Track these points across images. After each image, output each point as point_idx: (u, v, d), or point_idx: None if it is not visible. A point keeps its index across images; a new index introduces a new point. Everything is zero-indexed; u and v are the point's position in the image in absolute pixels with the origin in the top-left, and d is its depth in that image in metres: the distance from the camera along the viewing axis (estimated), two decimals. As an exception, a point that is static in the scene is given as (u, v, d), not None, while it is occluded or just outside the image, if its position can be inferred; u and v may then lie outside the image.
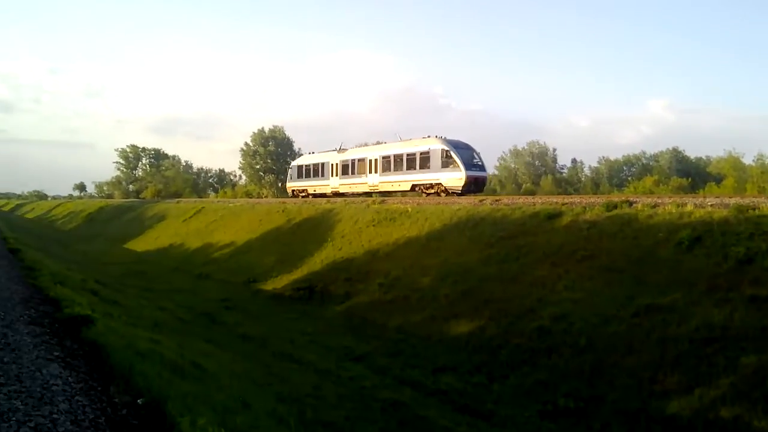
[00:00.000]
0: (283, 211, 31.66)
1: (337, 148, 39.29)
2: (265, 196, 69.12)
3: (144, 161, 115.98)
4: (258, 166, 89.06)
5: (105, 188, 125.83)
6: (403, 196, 29.96)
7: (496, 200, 21.00)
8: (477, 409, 9.82)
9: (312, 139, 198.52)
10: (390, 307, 16.10)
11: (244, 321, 16.50)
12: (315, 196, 39.35)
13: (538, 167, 74.65)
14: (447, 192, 28.60)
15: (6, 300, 9.63)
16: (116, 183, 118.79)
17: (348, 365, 12.32)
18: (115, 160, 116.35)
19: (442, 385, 10.89)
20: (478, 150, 30.27)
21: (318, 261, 22.12)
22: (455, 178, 28.06)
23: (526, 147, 76.67)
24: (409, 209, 22.92)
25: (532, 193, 56.47)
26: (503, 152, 79.34)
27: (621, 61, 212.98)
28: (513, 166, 77.18)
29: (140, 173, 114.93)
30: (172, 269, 28.62)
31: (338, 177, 37.74)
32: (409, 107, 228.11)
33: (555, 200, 18.74)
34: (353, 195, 34.78)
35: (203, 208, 43.77)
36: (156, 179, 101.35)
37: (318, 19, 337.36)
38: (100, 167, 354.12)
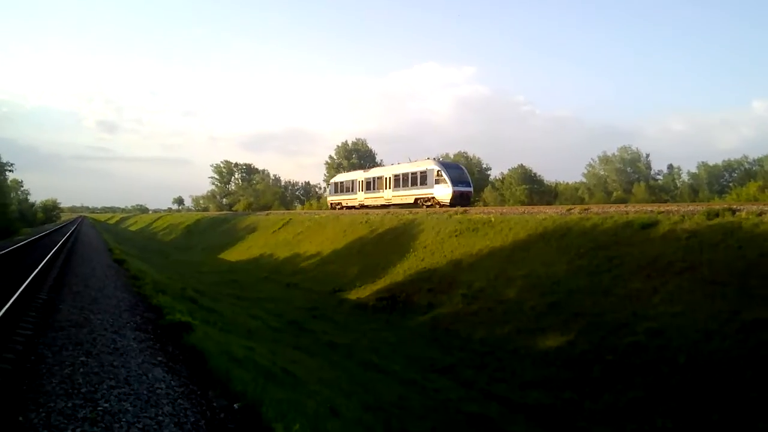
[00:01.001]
0: (366, 222, 32.16)
1: (364, 169, 47.28)
2: (349, 208, 70.53)
3: (236, 176, 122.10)
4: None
5: (201, 201, 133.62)
6: (484, 206, 30.11)
7: (585, 209, 20.15)
8: (567, 427, 9.45)
9: (394, 149, 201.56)
10: (474, 319, 15.86)
11: (330, 329, 16.89)
12: (347, 208, 45.36)
13: (629, 174, 70.70)
14: (440, 204, 33.21)
15: (114, 307, 10.46)
16: (211, 197, 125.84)
17: (432, 377, 12.27)
18: (210, 175, 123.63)
19: (530, 401, 10.58)
20: (467, 170, 37.42)
21: (400, 271, 22.23)
22: (445, 193, 33.19)
23: (616, 153, 72.74)
24: (493, 219, 22.54)
25: (623, 201, 53.64)
26: (591, 159, 75.90)
27: (720, 61, 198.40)
28: (602, 173, 73.46)
29: (233, 187, 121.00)
30: (263, 278, 29.79)
31: (364, 192, 43.84)
32: (490, 116, 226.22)
33: (650, 208, 17.70)
34: (374, 207, 40.30)
35: (291, 219, 45.33)
36: (247, 193, 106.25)
37: (398, 34, 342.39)
38: (196, 182, 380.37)
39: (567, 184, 74.63)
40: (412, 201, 36.50)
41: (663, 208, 17.49)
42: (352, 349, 14.31)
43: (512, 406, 10.47)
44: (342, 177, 50.27)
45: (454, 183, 32.90)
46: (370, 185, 42.74)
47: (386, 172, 41.17)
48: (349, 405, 8.14)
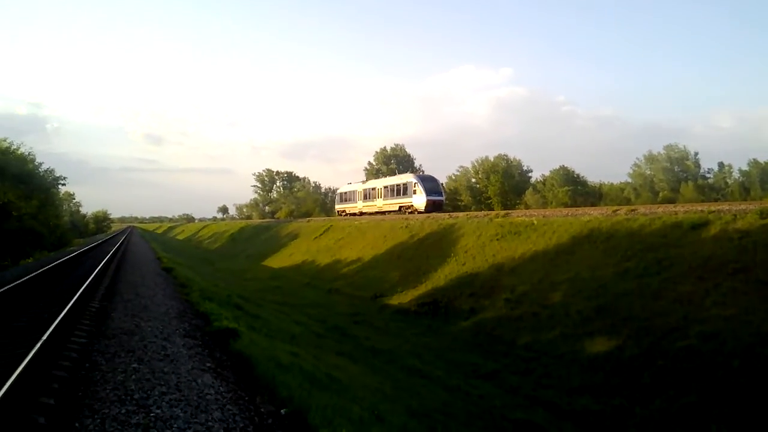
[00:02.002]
0: (406, 227, 32.11)
1: (363, 181, 55.45)
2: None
3: (278, 184, 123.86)
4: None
5: (244, 210, 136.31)
6: (526, 209, 29.75)
7: (632, 210, 19.58)
8: (618, 435, 9.17)
9: (433, 154, 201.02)
10: (518, 324, 15.61)
11: (372, 335, 16.92)
12: (350, 215, 51.75)
13: (677, 173, 68.21)
14: (417, 211, 38.96)
15: (163, 315, 10.77)
16: (254, 205, 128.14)
17: (476, 382, 12.13)
18: (252, 184, 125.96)
19: (577, 407, 10.34)
20: (442, 182, 45.60)
21: (442, 276, 22.10)
22: (420, 201, 39.22)
23: (662, 152, 70.37)
24: (535, 222, 22.17)
25: (671, 201, 51.84)
26: (637, 158, 73.58)
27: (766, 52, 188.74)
28: (648, 172, 71.09)
29: (275, 195, 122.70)
30: (305, 284, 30.13)
31: (362, 201, 50.22)
32: (530, 117, 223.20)
33: (700, 208, 17.07)
34: (370, 214, 46.57)
35: (332, 226, 45.68)
36: (289, 200, 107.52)
37: (433, 39, 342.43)
38: (240, 190, 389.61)
39: (612, 184, 72.82)
40: (396, 208, 42.39)
41: (714, 207, 16.83)
42: (394, 355, 14.30)
43: (559, 412, 10.25)
44: (346, 188, 56.97)
45: (428, 193, 39.05)
46: (367, 195, 49.29)
47: (378, 184, 48.24)
48: (394, 411, 8.12)
